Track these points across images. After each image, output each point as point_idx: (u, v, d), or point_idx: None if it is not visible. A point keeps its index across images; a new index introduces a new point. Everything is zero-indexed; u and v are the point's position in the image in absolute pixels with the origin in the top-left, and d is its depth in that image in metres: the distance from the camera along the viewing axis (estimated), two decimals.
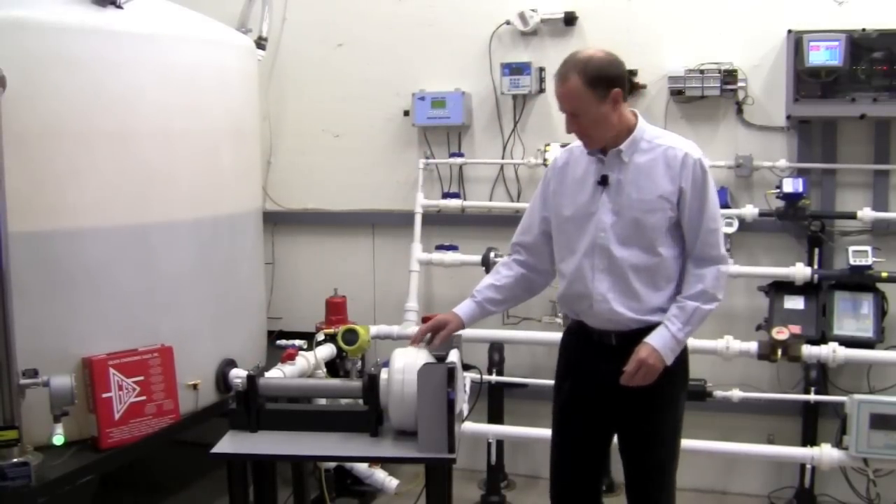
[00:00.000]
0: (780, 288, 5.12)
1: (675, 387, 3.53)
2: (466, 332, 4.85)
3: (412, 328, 5.40)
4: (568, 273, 3.51)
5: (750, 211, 5.15)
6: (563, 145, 5.24)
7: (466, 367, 3.45)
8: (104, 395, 4.14)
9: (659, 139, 3.42)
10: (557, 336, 4.80)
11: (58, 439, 3.81)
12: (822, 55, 4.82)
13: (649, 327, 3.39)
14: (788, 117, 5.12)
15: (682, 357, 3.51)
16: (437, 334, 3.49)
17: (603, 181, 3.41)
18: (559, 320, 5.29)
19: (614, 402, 3.49)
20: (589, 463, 3.67)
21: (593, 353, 3.49)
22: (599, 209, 3.41)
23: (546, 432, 4.80)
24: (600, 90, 3.29)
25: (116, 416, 4.17)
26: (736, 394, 4.98)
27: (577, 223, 3.47)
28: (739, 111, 5.31)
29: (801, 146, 5.25)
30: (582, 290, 3.45)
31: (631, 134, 3.40)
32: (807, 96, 4.93)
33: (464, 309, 3.60)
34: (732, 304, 5.27)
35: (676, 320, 3.35)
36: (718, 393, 4.98)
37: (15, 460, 3.65)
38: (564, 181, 3.54)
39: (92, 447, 4.11)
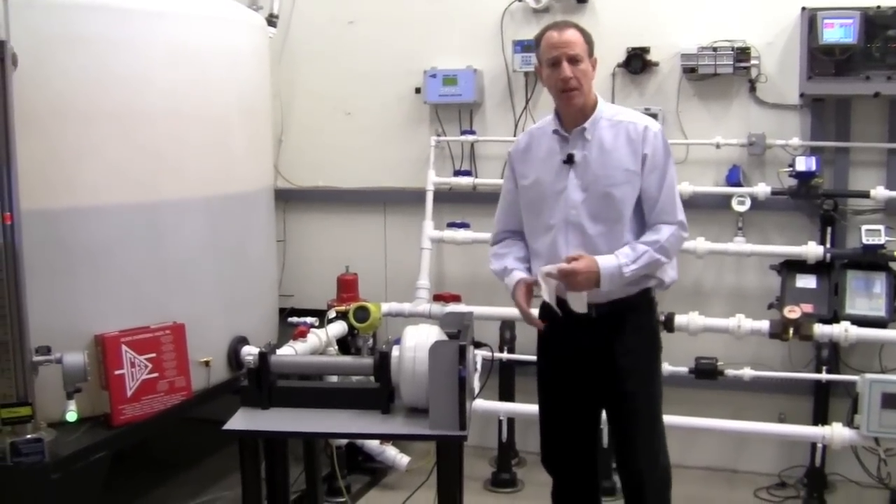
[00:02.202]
0: (792, 267, 5.10)
1: (647, 352, 3.63)
2: (478, 310, 4.91)
3: (423, 305, 5.43)
4: (542, 251, 3.56)
5: (762, 189, 5.14)
6: None
7: (477, 345, 3.46)
8: (117, 372, 4.15)
9: (619, 115, 3.54)
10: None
11: (71, 416, 3.83)
12: (836, 32, 4.79)
13: (625, 298, 3.49)
14: (802, 95, 5.08)
15: (653, 318, 3.68)
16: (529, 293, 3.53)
17: (569, 160, 3.49)
18: None
19: (589, 371, 3.57)
20: (576, 431, 3.71)
21: (572, 326, 3.50)
22: (568, 186, 3.49)
23: None
24: (590, 50, 3.47)
25: (129, 393, 4.18)
26: (747, 372, 4.97)
27: (546, 202, 3.54)
28: (752, 89, 5.28)
29: (814, 124, 5.22)
30: None
31: (593, 112, 3.50)
32: (820, 74, 4.90)
33: (522, 274, 3.58)
34: (744, 283, 5.27)
35: (625, 256, 3.42)
36: (730, 371, 4.97)
37: (28, 437, 3.66)
38: (528, 162, 3.62)
39: (104, 424, 4.13)
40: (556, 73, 3.44)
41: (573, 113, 3.50)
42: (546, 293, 3.40)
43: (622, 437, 3.66)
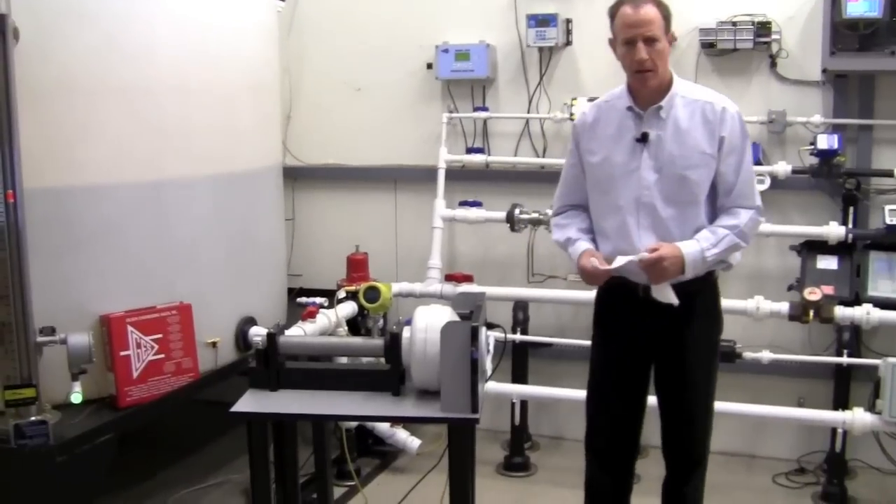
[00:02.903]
0: (812, 247, 5.07)
1: (709, 333, 3.63)
2: (491, 291, 4.89)
3: (435, 286, 5.43)
4: (611, 232, 3.53)
5: (783, 168, 5.10)
6: (591, 99, 5.28)
7: (490, 326, 3.43)
8: (122, 353, 4.15)
9: (694, 94, 3.46)
10: (583, 295, 4.89)
11: (76, 398, 3.83)
12: (860, 6, 4.72)
13: (692, 280, 3.44)
14: (824, 71, 5.03)
15: (716, 302, 3.64)
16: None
17: (643, 138, 3.43)
18: None
19: (650, 354, 3.58)
20: (627, 419, 3.71)
21: (634, 308, 3.51)
22: (641, 166, 3.44)
23: (571, 392, 4.89)
24: (667, 26, 3.37)
25: (135, 375, 4.19)
26: (766, 355, 4.95)
27: (616, 181, 3.48)
28: (773, 65, 5.23)
29: (836, 101, 5.17)
30: (628, 249, 3.46)
31: (669, 90, 3.42)
32: (844, 49, 4.84)
33: (587, 244, 3.55)
34: (763, 264, 5.24)
35: (706, 241, 3.40)
36: (748, 354, 4.94)
37: (33, 419, 3.67)
38: (596, 138, 3.55)
39: (110, 406, 4.14)
40: (630, 54, 3.36)
41: (648, 91, 3.44)
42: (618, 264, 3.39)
43: (678, 422, 3.66)
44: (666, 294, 3.41)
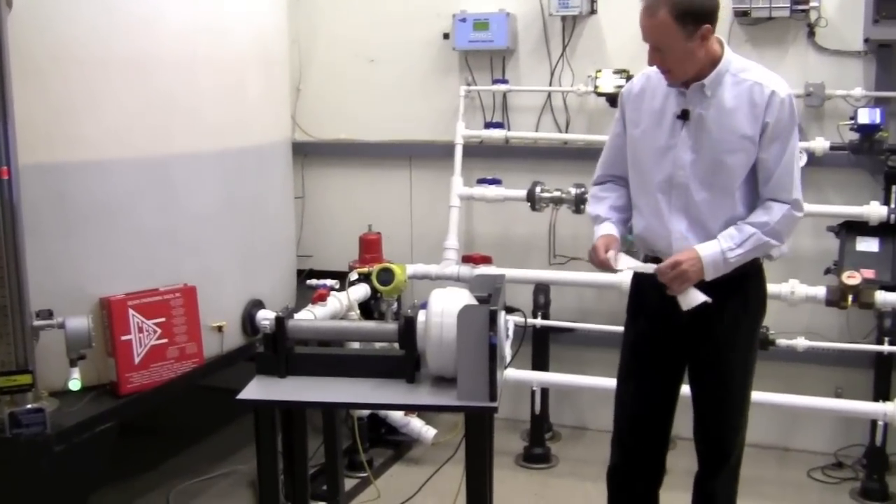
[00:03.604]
0: (851, 228, 5.04)
1: (750, 322, 3.59)
2: (510, 273, 4.88)
3: (452, 267, 5.43)
4: (645, 210, 3.53)
5: (820, 144, 5.05)
6: (617, 72, 5.26)
7: (510, 310, 3.43)
8: (123, 338, 4.15)
9: (745, 73, 3.38)
10: (607, 278, 4.87)
11: (74, 384, 3.83)
12: None
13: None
14: (866, 41, 4.99)
15: (761, 288, 3.60)
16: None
17: (683, 115, 3.39)
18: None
19: (686, 341, 3.55)
20: (658, 406, 3.69)
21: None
22: (678, 145, 3.41)
23: (594, 380, 4.89)
24: (689, 26, 3.25)
25: (136, 360, 4.18)
26: (801, 343, 4.94)
27: (653, 157, 3.47)
28: (811, 34, 5.18)
29: (879, 73, 5.11)
30: (659, 229, 3.47)
31: (716, 67, 3.36)
32: (888, 17, 4.79)
33: (609, 229, 3.57)
34: (799, 246, 5.18)
35: (730, 239, 3.37)
36: (782, 341, 4.93)
37: (29, 406, 3.67)
38: (640, 110, 3.53)
39: (110, 393, 4.14)
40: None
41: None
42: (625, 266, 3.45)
43: (712, 413, 3.64)
44: (692, 299, 3.38)
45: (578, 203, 5.20)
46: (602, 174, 3.73)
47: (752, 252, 3.38)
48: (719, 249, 3.34)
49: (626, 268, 3.49)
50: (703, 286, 3.37)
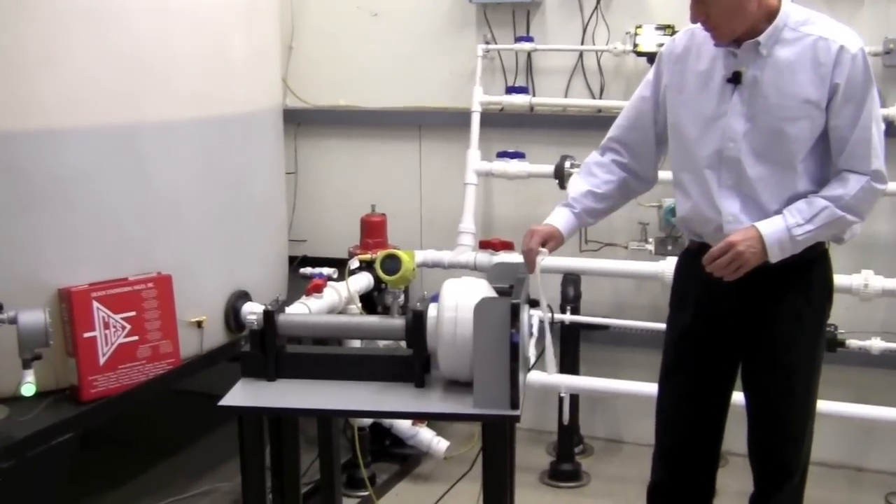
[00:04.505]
0: None
1: (814, 317, 3.55)
2: None
3: (467, 254, 5.43)
4: (691, 187, 3.51)
5: None
6: (660, 27, 5.23)
7: (534, 304, 3.42)
8: (86, 335, 4.14)
9: (807, 26, 3.33)
10: (646, 267, 4.87)
11: (28, 389, 3.80)
12: None
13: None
14: None
15: (826, 276, 3.56)
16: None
17: (735, 79, 3.36)
18: (650, 247, 5.24)
19: (740, 338, 3.54)
20: (707, 414, 3.69)
21: (717, 279, 3.43)
22: (729, 113, 3.38)
23: (632, 385, 4.88)
24: None
25: (101, 361, 4.18)
26: (876, 344, 4.93)
27: (698, 128, 3.45)
28: None
29: None
30: (707, 210, 3.46)
31: (772, 21, 3.32)
32: None
33: (560, 220, 3.59)
34: (874, 231, 5.18)
35: (798, 214, 3.32)
36: (853, 342, 4.93)
37: None
38: (683, 73, 3.50)
39: (71, 399, 4.13)
40: None
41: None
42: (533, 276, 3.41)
43: (769, 424, 3.62)
44: None
45: None
46: (612, 137, 3.71)
47: (824, 229, 3.34)
48: (784, 226, 3.29)
49: (532, 279, 3.41)
50: (760, 273, 3.33)
